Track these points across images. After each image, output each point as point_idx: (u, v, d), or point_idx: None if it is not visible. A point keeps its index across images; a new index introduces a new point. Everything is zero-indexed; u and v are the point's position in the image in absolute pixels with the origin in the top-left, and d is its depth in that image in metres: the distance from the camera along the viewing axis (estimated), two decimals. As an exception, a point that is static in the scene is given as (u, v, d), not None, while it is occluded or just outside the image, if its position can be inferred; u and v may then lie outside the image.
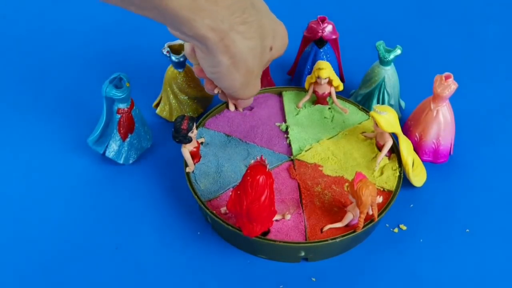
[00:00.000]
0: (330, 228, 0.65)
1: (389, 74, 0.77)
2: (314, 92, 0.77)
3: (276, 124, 0.76)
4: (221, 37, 0.57)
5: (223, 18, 0.56)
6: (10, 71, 0.89)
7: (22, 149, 0.78)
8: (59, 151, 0.77)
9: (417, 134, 0.76)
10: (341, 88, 0.76)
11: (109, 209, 0.71)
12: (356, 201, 0.63)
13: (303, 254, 0.65)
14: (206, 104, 0.82)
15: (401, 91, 0.80)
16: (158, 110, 0.81)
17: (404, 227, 0.70)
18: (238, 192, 0.61)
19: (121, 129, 0.73)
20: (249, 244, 0.66)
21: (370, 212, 0.64)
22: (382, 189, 0.69)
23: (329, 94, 0.77)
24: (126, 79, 0.70)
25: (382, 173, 0.71)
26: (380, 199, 0.65)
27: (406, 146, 0.70)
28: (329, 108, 0.78)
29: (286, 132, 0.75)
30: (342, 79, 0.83)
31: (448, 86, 0.71)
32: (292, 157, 0.73)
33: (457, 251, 0.68)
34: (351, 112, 0.78)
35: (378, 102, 0.79)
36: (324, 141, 0.74)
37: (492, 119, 0.82)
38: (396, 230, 0.70)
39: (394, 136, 0.71)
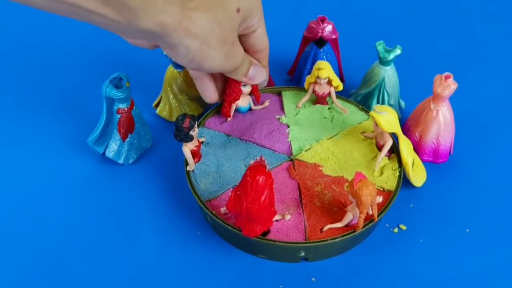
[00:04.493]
0: (330, 228, 0.65)
1: (389, 74, 0.77)
2: (314, 92, 0.77)
3: (276, 117, 0.76)
4: (178, 21, 0.52)
5: None
6: (10, 71, 0.89)
7: (22, 148, 0.78)
8: (59, 150, 0.77)
9: (417, 134, 0.75)
10: (341, 88, 0.76)
11: (109, 209, 0.71)
12: (356, 201, 0.63)
13: (303, 254, 0.65)
14: (206, 104, 0.82)
15: (401, 91, 0.80)
16: (158, 110, 0.81)
17: (404, 227, 0.70)
18: (238, 192, 0.61)
19: (121, 129, 0.73)
20: (249, 244, 0.66)
21: (370, 212, 0.64)
22: (382, 189, 0.69)
23: (329, 94, 0.77)
24: (126, 79, 0.70)
25: (382, 173, 0.71)
26: (380, 199, 0.65)
27: (406, 146, 0.70)
28: (329, 108, 0.78)
29: (287, 125, 0.75)
30: (342, 79, 0.83)
31: (448, 86, 0.71)
32: (292, 157, 0.73)
33: (457, 251, 0.68)
34: (351, 112, 0.78)
35: (378, 102, 0.79)
36: (324, 141, 0.74)
37: (492, 119, 0.82)
38: (396, 230, 0.70)
39: (394, 136, 0.71)
